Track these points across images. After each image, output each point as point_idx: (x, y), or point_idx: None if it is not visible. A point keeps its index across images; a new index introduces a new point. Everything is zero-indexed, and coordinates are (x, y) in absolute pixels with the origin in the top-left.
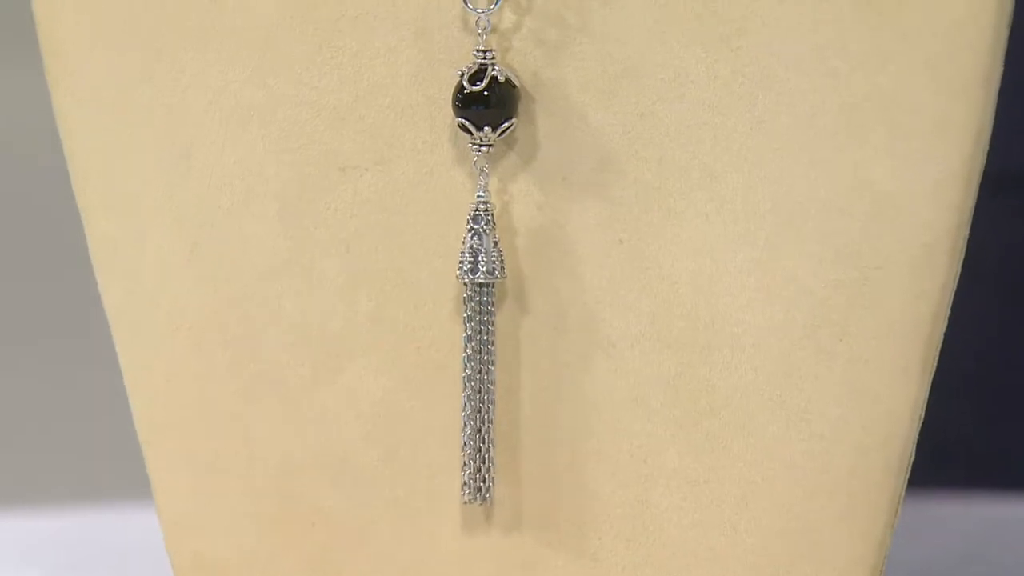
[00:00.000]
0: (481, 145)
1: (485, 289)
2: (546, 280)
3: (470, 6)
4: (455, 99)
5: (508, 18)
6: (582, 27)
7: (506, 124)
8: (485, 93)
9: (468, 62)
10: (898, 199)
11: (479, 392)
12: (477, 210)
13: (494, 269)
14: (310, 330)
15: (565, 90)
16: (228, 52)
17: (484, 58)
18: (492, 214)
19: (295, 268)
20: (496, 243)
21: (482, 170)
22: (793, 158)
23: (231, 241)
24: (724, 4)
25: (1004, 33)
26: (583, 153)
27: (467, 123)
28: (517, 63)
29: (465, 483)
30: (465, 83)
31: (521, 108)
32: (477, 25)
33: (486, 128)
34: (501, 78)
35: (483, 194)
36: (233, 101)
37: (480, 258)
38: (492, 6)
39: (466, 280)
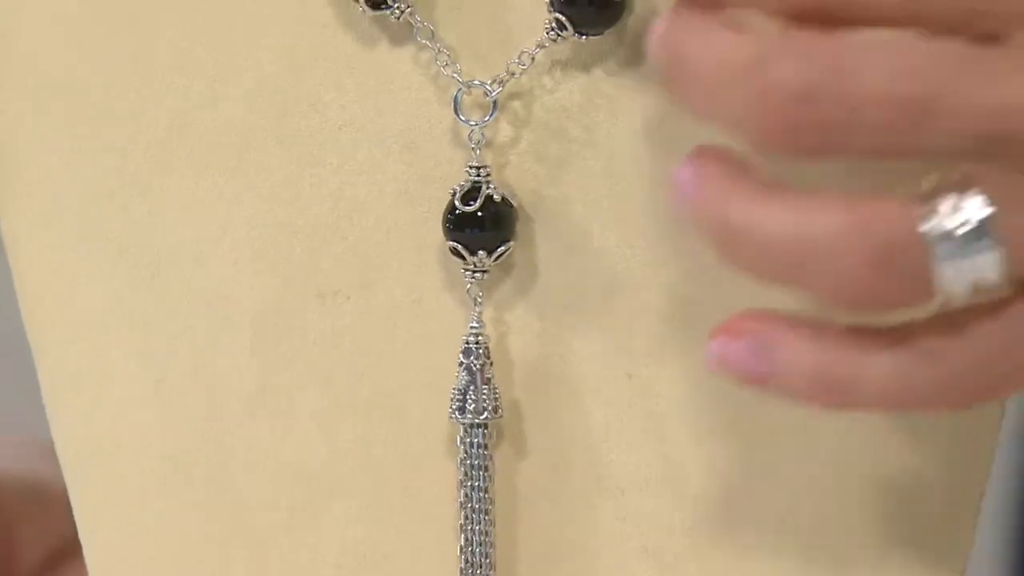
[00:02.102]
0: (475, 271)
1: (479, 429)
2: (547, 418)
3: (462, 117)
4: (446, 220)
5: (504, 131)
6: (587, 141)
7: (502, 248)
8: (479, 214)
9: (460, 179)
10: None
11: (473, 542)
12: (468, 343)
13: (488, 408)
14: (286, 469)
15: (568, 209)
16: (197, 165)
17: (478, 175)
18: (486, 347)
19: (270, 402)
20: (490, 379)
21: (475, 299)
22: None
23: (200, 373)
24: None
25: None
26: (588, 278)
27: (459, 247)
28: (515, 180)
29: None
30: (457, 202)
31: (519, 229)
32: (470, 139)
33: (480, 252)
34: (497, 197)
35: (476, 325)
36: (202, 219)
37: (472, 396)
38: (486, 117)
39: (458, 420)
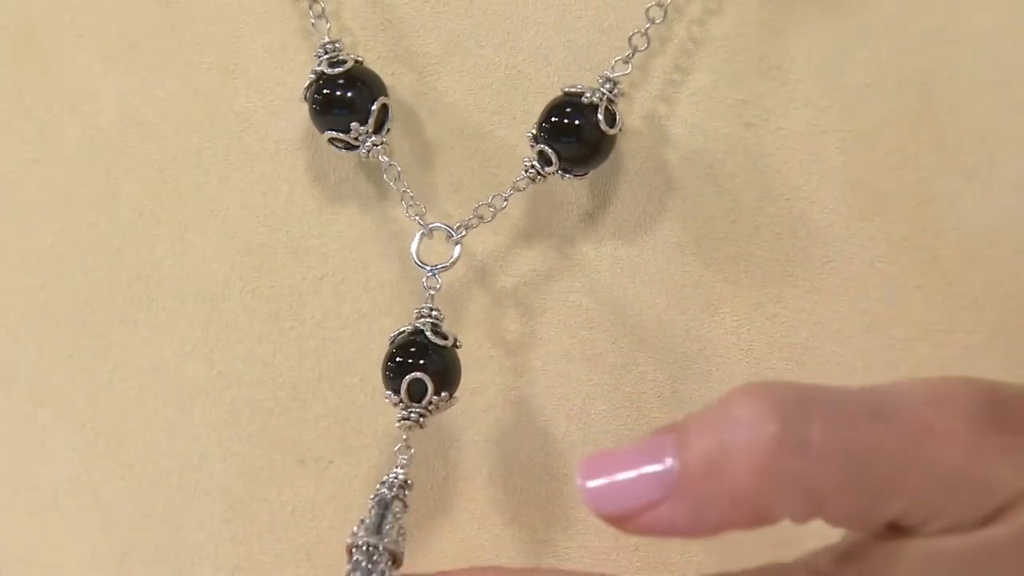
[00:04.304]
0: (410, 414)
1: (378, 553)
2: None
3: (418, 262)
4: (388, 360)
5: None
6: (592, 296)
7: (447, 395)
8: (428, 351)
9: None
10: None
11: None
12: (384, 481)
13: (385, 549)
14: None
15: (566, 368)
16: (165, 321)
17: (431, 316)
18: (405, 491)
19: None
20: (397, 521)
21: (407, 447)
22: None
23: (168, 549)
24: (758, 268)
25: None
26: (586, 442)
27: (403, 386)
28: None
29: None
30: (405, 342)
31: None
32: (424, 283)
33: (427, 393)
34: (449, 339)
35: (401, 472)
36: (170, 381)
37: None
38: (447, 261)
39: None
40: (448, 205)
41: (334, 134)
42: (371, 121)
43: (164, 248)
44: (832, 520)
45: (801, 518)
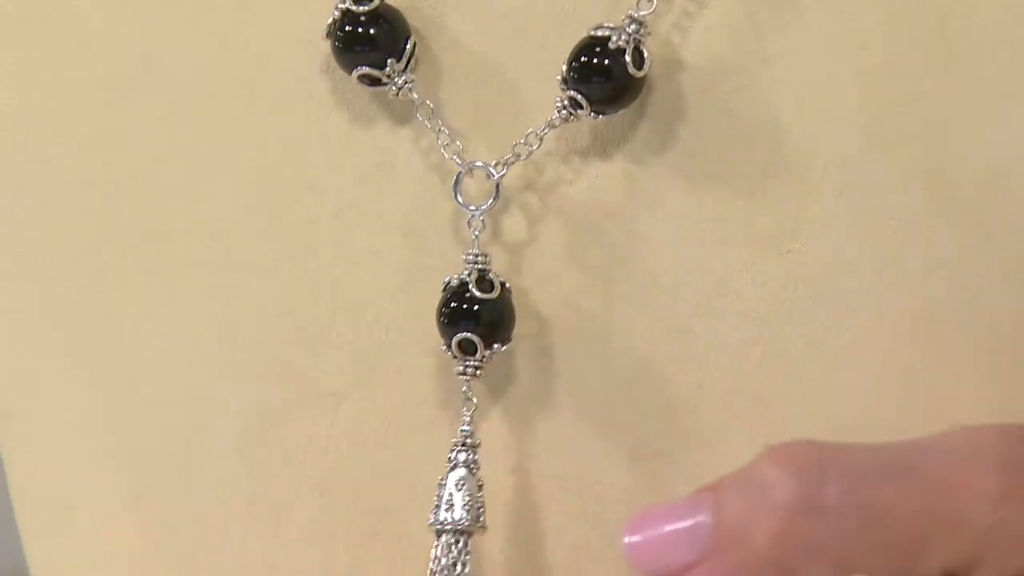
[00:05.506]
0: (466, 368)
1: (461, 539)
2: (554, 540)
3: (462, 202)
4: (440, 314)
5: (518, 224)
6: (602, 227)
7: (499, 346)
8: (475, 308)
9: (459, 269)
10: None
11: None
12: (455, 446)
13: (466, 516)
14: None
15: (582, 302)
16: (181, 257)
17: (477, 263)
18: (475, 450)
19: (259, 515)
20: (480, 486)
21: (468, 397)
22: (857, 377)
23: (183, 486)
24: (773, 201)
25: None
26: (604, 378)
27: (453, 343)
28: (525, 271)
29: None
30: (452, 295)
31: (527, 327)
32: (470, 225)
33: (476, 350)
34: (496, 290)
35: (467, 427)
36: (187, 317)
37: (453, 503)
38: (489, 202)
39: (437, 527)
40: (474, 144)
41: (367, 70)
42: (404, 59)
43: (178, 185)
44: None
45: None
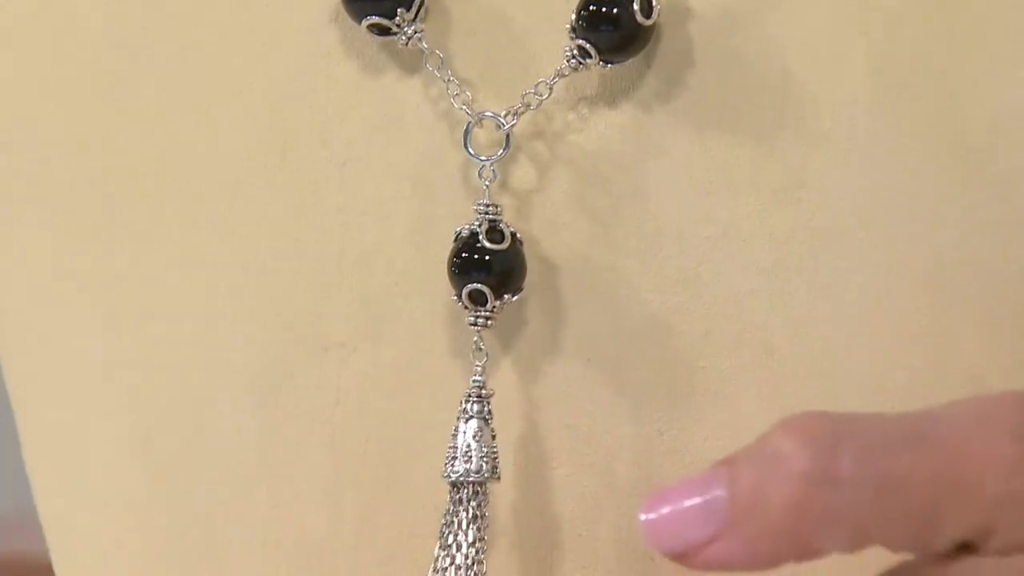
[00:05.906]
0: (477, 319)
1: (480, 489)
2: (563, 490)
3: (472, 152)
4: (451, 264)
5: (526, 173)
6: (610, 176)
7: (510, 296)
8: (487, 258)
9: (469, 219)
10: (990, 381)
11: None
12: (469, 396)
13: (484, 467)
14: (287, 539)
15: (591, 252)
16: (189, 205)
17: (488, 214)
18: (488, 401)
19: (268, 464)
20: (493, 436)
21: (479, 348)
22: (865, 328)
23: (192, 432)
24: (781, 150)
25: None
26: (612, 328)
27: (464, 294)
28: (534, 220)
29: None
30: (463, 246)
31: (536, 276)
32: (481, 176)
33: (487, 300)
34: (507, 240)
35: (479, 378)
36: (195, 265)
37: (468, 453)
38: (500, 152)
39: (451, 477)
40: (483, 94)
41: (376, 19)
42: (413, 8)
43: (187, 131)
44: (891, 548)
45: (849, 549)
